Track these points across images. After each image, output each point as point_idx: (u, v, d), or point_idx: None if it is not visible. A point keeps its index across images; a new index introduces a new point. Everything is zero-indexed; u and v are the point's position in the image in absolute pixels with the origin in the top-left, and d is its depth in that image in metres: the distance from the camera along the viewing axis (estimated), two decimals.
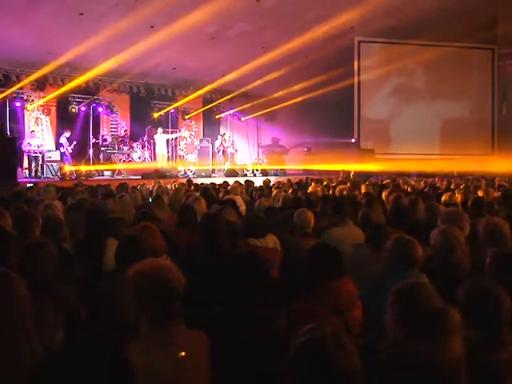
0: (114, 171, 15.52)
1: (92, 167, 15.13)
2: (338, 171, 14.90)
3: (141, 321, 1.95)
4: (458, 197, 6.25)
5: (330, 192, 7.71)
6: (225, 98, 18.61)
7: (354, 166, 16.39)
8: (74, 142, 14.67)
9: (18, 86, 14.70)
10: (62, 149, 14.51)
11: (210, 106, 18.93)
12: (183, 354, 1.90)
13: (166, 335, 1.90)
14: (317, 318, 2.10)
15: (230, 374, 2.19)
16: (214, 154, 17.42)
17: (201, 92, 17.99)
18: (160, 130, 16.42)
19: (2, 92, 14.49)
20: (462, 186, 8.05)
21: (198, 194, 6.50)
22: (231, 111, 19.74)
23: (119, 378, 1.24)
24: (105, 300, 2.61)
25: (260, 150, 20.50)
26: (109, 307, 2.55)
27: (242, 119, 20.19)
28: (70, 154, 14.47)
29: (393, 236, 3.09)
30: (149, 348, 1.84)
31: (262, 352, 2.25)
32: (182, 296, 1.94)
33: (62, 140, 14.59)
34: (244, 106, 19.37)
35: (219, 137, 17.95)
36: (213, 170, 16.93)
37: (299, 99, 18.23)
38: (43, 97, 15.58)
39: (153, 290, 1.91)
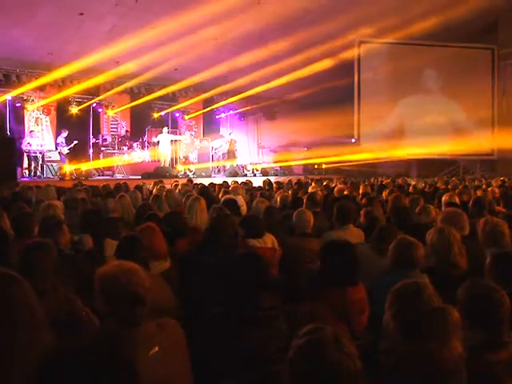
0: (113, 170, 15.50)
1: (91, 164, 15.08)
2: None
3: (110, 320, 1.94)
4: (459, 197, 6.24)
5: (330, 192, 7.70)
6: (225, 99, 18.60)
7: (353, 166, 16.41)
8: (75, 142, 14.57)
9: (21, 90, 14.62)
10: (58, 148, 14.48)
11: (211, 106, 18.92)
12: (156, 349, 1.86)
13: (133, 334, 1.87)
14: (319, 319, 2.10)
15: (230, 374, 2.19)
16: (214, 154, 17.40)
17: (201, 93, 17.97)
18: (165, 129, 16.41)
19: (3, 92, 14.47)
20: (461, 187, 8.04)
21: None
22: (231, 111, 19.73)
23: (123, 377, 1.24)
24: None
25: (262, 150, 20.49)
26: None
27: (242, 119, 20.19)
28: (65, 154, 14.35)
29: (397, 237, 3.08)
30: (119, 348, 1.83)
31: (262, 352, 2.25)
32: (145, 301, 1.92)
33: (59, 140, 14.54)
34: (244, 106, 19.37)
35: (225, 137, 17.87)
36: (213, 170, 16.92)
37: (299, 99, 18.23)
38: (43, 97, 15.57)
39: (115, 294, 1.89)
